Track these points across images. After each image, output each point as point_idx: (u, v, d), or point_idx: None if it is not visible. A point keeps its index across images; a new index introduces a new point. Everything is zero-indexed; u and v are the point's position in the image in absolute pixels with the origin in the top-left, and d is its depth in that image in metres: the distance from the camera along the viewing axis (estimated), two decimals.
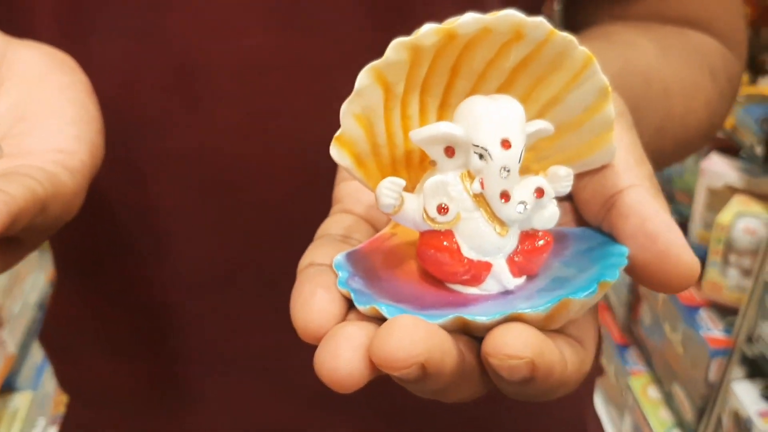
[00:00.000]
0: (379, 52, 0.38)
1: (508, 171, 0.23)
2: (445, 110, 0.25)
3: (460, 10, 0.39)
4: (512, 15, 0.22)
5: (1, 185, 0.23)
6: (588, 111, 0.25)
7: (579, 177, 0.26)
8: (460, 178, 0.23)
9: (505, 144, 0.22)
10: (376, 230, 0.27)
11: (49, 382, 1.63)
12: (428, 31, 0.22)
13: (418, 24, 0.39)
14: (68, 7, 0.37)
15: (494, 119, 0.23)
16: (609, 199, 0.25)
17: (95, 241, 0.43)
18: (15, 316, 1.48)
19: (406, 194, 0.24)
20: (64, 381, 0.52)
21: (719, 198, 1.31)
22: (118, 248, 0.42)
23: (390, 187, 0.23)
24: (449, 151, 0.23)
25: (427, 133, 0.23)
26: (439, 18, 0.38)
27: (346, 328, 0.21)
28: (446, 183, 0.23)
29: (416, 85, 0.24)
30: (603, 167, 0.26)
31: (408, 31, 0.39)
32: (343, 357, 0.20)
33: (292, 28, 0.36)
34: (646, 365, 1.56)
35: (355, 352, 0.21)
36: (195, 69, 0.37)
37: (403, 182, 0.23)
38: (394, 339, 0.20)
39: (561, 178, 0.24)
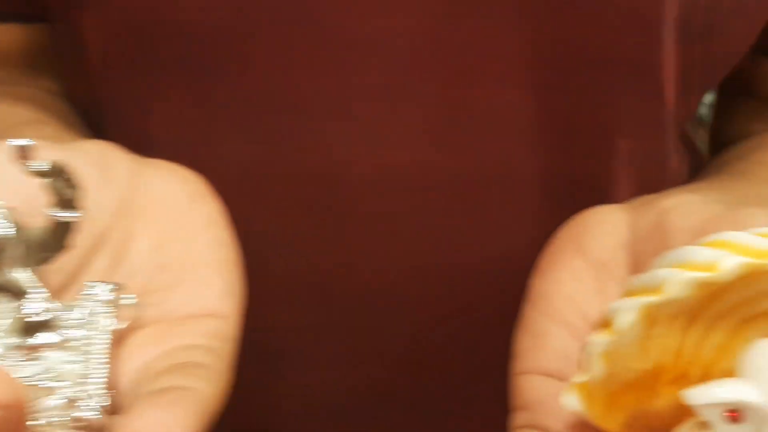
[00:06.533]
0: (542, 176, 0.34)
1: None
2: (709, 322, 0.19)
3: (640, 124, 0.34)
4: None
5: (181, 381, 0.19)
6: None
7: None
8: None
9: None
10: None
11: None
12: (733, 268, 0.16)
13: (592, 150, 0.34)
14: (190, 104, 0.32)
15: None
16: None
17: None
18: None
19: None
20: None
21: None
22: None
23: None
24: (734, 416, 0.17)
25: (712, 397, 0.17)
26: (611, 145, 0.34)
27: None
28: None
29: (687, 310, 0.18)
30: None
31: (580, 157, 0.34)
32: None
33: (448, 144, 0.31)
34: None
35: None
36: (334, 182, 0.33)
37: None
38: None
39: None
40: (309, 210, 0.33)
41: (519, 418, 0.23)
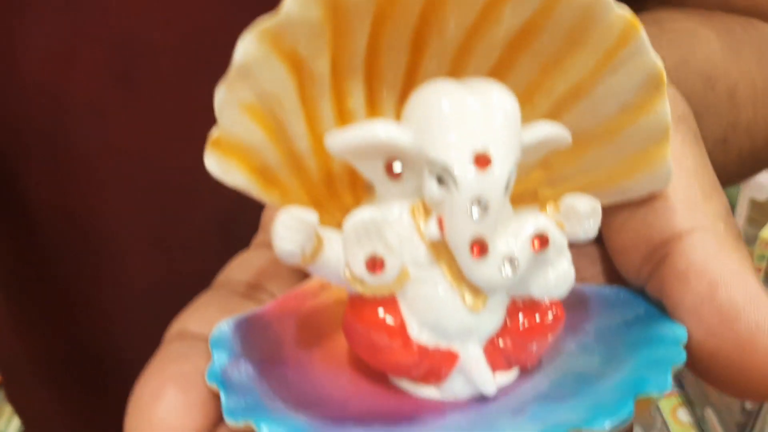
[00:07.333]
0: None
1: (485, 206, 0.13)
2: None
3: None
4: None
5: None
6: (629, 110, 0.16)
7: (613, 211, 0.17)
8: (410, 212, 0.15)
9: (481, 161, 0.13)
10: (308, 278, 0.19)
11: None
12: None
13: None
14: None
15: (463, 119, 0.14)
16: (659, 247, 0.16)
17: (19, 251, 0.36)
18: None
19: (328, 233, 0.15)
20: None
21: (763, 211, 1.18)
22: (48, 259, 0.36)
23: (292, 226, 0.14)
24: (393, 170, 0.14)
25: (350, 139, 0.14)
26: None
27: None
28: (380, 222, 0.14)
29: (354, 63, 0.15)
30: (651, 198, 0.17)
31: None
32: None
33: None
34: (677, 386, 1.46)
35: None
36: (134, 46, 0.30)
37: (312, 217, 0.14)
38: None
39: (581, 216, 0.15)
40: (110, 79, 0.30)
41: (255, 239, 0.21)
